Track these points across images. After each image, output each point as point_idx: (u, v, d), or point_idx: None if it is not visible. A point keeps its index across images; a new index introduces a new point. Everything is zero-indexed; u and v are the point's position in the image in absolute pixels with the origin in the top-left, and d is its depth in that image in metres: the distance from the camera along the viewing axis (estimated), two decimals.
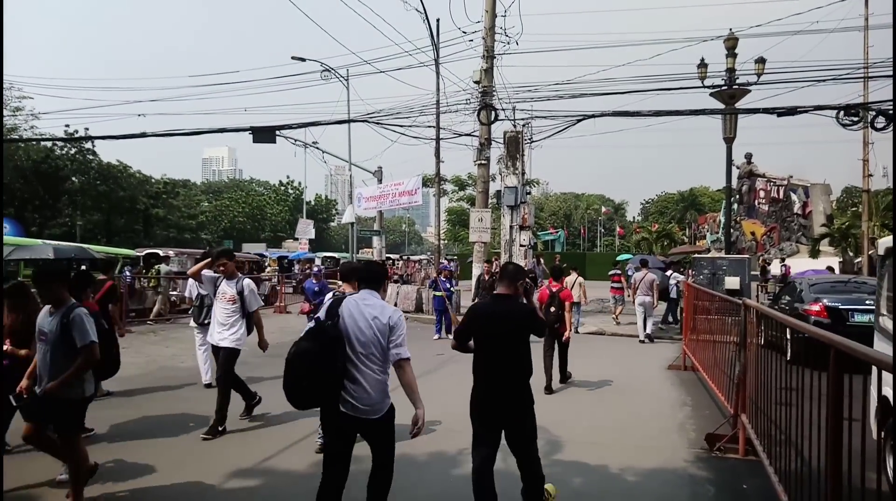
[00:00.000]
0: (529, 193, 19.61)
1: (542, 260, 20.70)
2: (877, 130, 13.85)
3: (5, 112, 33.03)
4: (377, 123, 17.26)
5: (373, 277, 3.69)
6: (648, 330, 12.76)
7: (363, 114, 17.72)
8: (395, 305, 17.46)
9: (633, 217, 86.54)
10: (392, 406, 3.54)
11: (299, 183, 69.20)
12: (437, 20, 17.11)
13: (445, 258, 22.60)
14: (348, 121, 19.29)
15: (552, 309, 7.86)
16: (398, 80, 18.14)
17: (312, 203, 69.72)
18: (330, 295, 4.46)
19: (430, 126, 17.29)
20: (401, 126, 17.10)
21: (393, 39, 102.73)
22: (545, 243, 54.16)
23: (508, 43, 16.39)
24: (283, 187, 71.90)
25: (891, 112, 13.31)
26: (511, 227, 16.36)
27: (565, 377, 8.25)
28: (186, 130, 18.41)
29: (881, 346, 5.50)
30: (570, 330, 8.11)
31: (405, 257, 38.99)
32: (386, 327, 3.42)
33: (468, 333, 3.99)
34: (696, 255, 21.57)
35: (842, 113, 13.60)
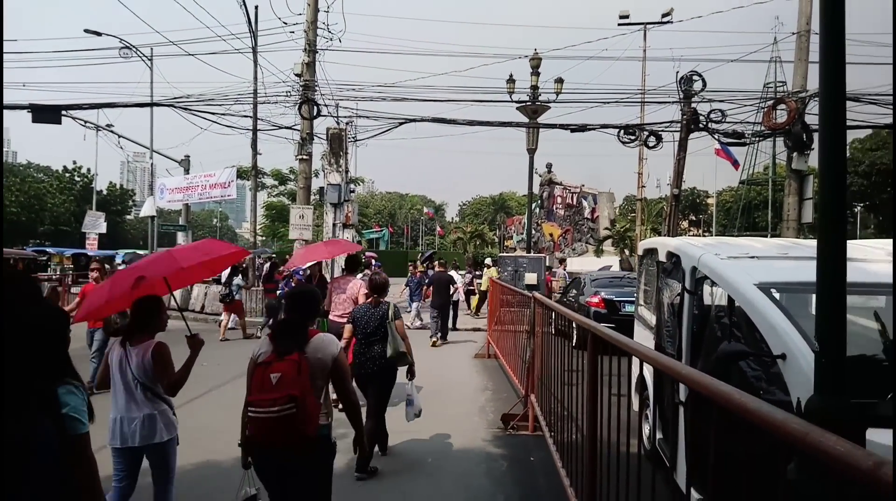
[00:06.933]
0: (354, 191, 19.64)
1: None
2: (649, 148, 16.29)
3: None
4: (185, 109, 15.93)
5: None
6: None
7: (169, 97, 16.25)
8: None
9: (452, 218, 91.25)
10: None
11: (88, 170, 60.22)
12: (256, 7, 16.41)
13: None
14: (151, 104, 17.51)
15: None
16: (210, 65, 16.87)
17: (105, 193, 61.32)
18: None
19: (246, 116, 16.43)
20: (213, 114, 15.97)
21: (204, 22, 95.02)
22: (370, 242, 54.63)
23: (331, 39, 16.26)
24: (68, 174, 61.83)
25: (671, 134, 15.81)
26: (334, 225, 16.24)
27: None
28: None
29: (639, 331, 6.58)
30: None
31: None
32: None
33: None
34: (501, 254, 23.49)
35: (622, 132, 15.85)
